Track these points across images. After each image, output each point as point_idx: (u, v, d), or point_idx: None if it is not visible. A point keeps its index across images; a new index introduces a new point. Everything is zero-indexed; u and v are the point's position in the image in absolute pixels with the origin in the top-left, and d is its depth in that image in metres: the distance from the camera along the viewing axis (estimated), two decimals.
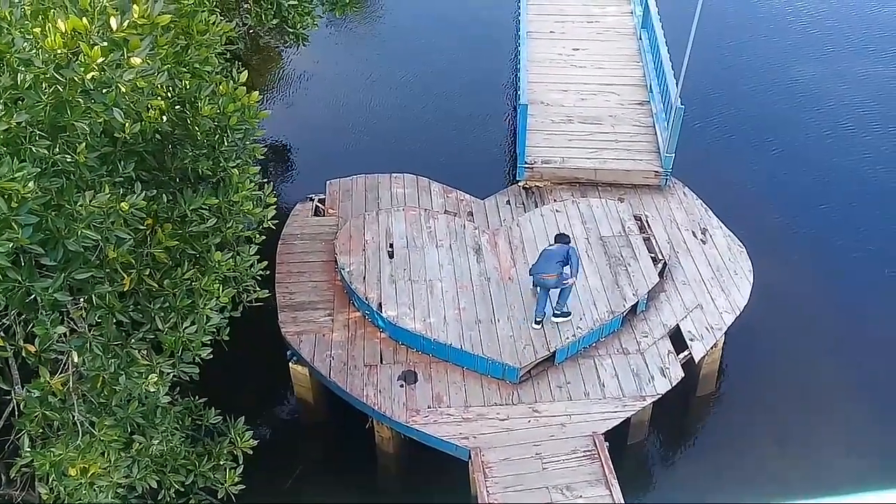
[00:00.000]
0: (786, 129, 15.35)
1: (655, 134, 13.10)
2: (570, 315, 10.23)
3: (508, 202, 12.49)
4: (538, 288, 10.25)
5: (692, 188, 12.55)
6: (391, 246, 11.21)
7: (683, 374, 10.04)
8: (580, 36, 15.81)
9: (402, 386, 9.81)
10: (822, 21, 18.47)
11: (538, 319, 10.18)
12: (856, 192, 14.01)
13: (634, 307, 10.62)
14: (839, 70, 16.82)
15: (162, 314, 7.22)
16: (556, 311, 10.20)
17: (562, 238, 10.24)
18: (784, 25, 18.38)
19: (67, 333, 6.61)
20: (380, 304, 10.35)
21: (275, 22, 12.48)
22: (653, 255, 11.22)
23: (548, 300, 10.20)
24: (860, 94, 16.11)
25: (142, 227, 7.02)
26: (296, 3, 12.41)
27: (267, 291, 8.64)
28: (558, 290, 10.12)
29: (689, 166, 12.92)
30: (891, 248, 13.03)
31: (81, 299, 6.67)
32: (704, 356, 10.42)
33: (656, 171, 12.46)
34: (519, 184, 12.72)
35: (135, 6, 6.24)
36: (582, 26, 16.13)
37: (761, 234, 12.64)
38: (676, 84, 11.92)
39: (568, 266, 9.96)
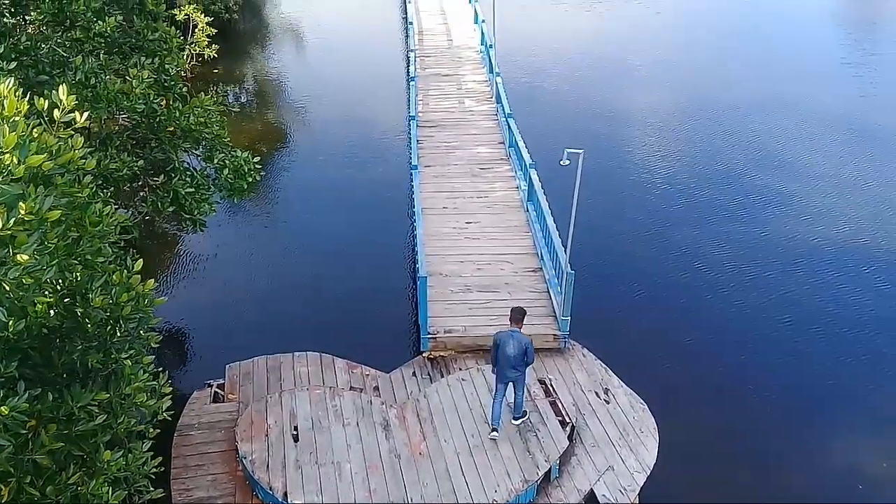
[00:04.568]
0: (669, 286, 16.27)
1: (550, 299, 13.59)
2: (527, 415, 10.72)
3: (414, 374, 12.44)
4: (496, 385, 10.59)
5: (590, 349, 12.93)
6: (295, 429, 10.81)
7: None
8: (471, 210, 16.65)
9: None
10: (690, 187, 20.24)
11: (495, 427, 10.51)
12: (741, 340, 14.78)
13: (548, 474, 10.49)
14: (711, 231, 18.24)
15: None
16: (515, 415, 10.67)
17: (517, 316, 10.51)
18: (657, 193, 19.99)
19: None
20: (285, 494, 9.80)
21: (171, 209, 12.52)
22: (560, 418, 11.28)
23: (504, 398, 10.54)
24: (733, 253, 17.43)
25: (23, 431, 6.53)
26: (192, 190, 12.56)
27: (162, 491, 8.06)
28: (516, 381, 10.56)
29: (586, 327, 13.36)
30: (782, 392, 13.59)
31: None
32: None
33: (555, 335, 12.81)
34: (423, 355, 12.76)
35: (22, 203, 6.15)
36: (472, 201, 17.03)
37: (659, 389, 12.96)
38: (565, 251, 12.59)
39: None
